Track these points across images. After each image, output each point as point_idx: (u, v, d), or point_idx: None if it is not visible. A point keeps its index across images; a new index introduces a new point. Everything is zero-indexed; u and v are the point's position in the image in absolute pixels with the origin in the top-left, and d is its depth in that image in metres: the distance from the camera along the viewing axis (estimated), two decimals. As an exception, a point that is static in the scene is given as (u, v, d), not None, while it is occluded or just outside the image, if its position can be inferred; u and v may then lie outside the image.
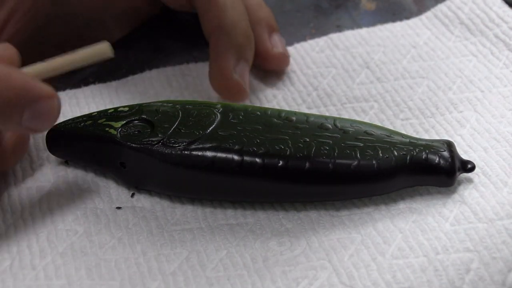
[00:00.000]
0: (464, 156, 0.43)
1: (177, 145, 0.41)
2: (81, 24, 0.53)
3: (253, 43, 0.48)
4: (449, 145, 0.41)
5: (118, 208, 0.42)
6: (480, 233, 0.38)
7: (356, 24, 0.56)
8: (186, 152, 0.40)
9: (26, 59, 0.43)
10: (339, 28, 0.55)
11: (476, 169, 0.42)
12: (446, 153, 0.40)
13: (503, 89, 0.47)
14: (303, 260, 0.39)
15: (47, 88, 0.38)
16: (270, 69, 0.51)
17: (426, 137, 0.45)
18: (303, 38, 0.55)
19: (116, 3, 0.52)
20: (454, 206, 0.40)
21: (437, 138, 0.45)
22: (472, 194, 0.41)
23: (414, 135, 0.45)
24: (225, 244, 0.40)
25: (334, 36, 0.54)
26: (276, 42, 0.51)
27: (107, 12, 0.53)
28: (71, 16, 0.51)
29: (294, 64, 0.52)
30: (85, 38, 0.53)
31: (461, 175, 0.41)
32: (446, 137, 0.45)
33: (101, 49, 0.41)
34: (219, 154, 0.40)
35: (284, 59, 0.51)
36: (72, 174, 0.44)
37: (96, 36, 0.52)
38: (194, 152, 0.40)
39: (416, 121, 0.46)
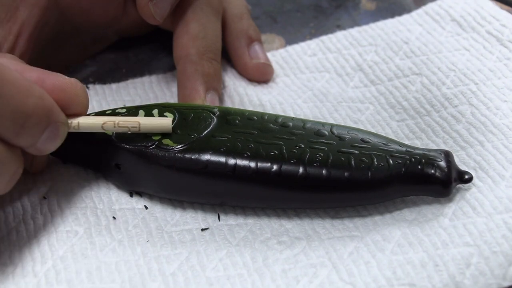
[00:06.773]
0: (461, 152, 0.43)
1: (171, 148, 0.40)
2: (88, 40, 0.53)
3: (220, 72, 0.48)
4: (447, 155, 0.41)
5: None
6: (479, 227, 0.38)
7: (356, 24, 0.56)
8: (179, 155, 0.40)
9: None
10: (339, 28, 0.55)
11: (473, 164, 0.42)
12: (442, 163, 0.40)
13: (497, 81, 0.47)
14: (303, 258, 0.39)
15: (63, 114, 0.38)
16: (255, 80, 0.51)
17: (424, 137, 0.45)
18: (303, 38, 0.55)
19: (120, 20, 0.52)
20: (452, 201, 0.40)
21: (434, 136, 0.45)
22: (470, 189, 0.41)
23: (411, 135, 0.45)
24: (225, 244, 0.40)
25: (326, 39, 0.54)
26: (255, 53, 0.51)
27: (112, 29, 0.53)
28: (78, 31, 0.51)
29: (287, 68, 0.52)
30: (90, 52, 0.53)
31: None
32: (443, 134, 0.45)
33: (163, 124, 0.41)
34: (213, 158, 0.40)
35: (265, 68, 0.51)
36: (72, 174, 0.44)
37: (99, 50, 0.52)
38: (187, 155, 0.40)
39: (411, 122, 0.46)
